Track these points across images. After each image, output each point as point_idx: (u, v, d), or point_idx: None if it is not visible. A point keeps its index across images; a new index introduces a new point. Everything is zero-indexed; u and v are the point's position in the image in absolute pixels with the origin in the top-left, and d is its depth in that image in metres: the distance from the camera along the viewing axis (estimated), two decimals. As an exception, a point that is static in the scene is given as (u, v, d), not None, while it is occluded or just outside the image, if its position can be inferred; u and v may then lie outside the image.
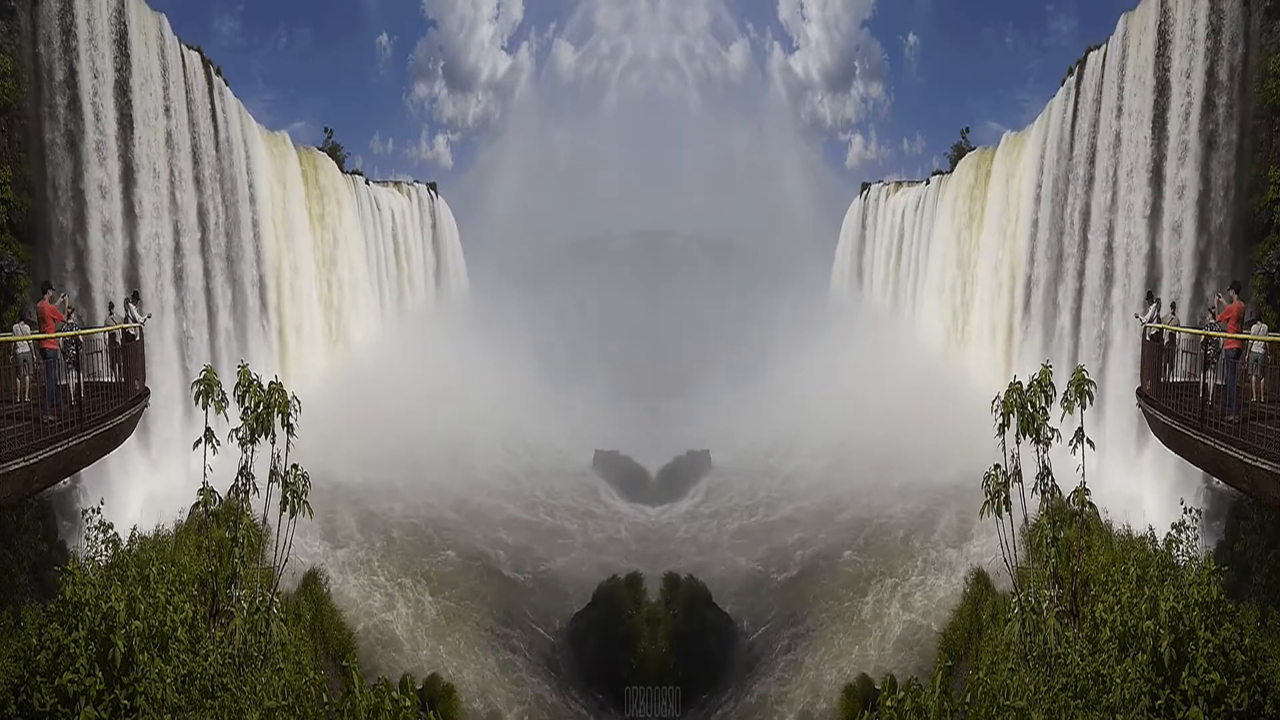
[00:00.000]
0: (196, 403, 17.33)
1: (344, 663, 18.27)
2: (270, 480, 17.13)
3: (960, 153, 47.78)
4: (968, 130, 48.39)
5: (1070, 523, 18.16)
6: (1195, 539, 17.67)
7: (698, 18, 55.46)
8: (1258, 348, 16.96)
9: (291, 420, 17.02)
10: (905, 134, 55.59)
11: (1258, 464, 14.07)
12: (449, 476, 36.38)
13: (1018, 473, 17.24)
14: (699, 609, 27.94)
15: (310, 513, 17.41)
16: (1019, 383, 17.42)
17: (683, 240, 53.64)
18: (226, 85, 35.97)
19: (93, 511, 17.45)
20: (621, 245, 51.84)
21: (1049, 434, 17.17)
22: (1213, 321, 18.73)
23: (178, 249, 32.28)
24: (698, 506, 37.29)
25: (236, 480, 17.27)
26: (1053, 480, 17.75)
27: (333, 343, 44.27)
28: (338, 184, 46.04)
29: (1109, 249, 32.53)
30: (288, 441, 17.07)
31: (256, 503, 17.51)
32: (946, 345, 45.96)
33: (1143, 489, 29.46)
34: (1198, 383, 17.28)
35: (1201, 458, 16.21)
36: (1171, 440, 17.61)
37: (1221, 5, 27.49)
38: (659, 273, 50.52)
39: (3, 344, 17.25)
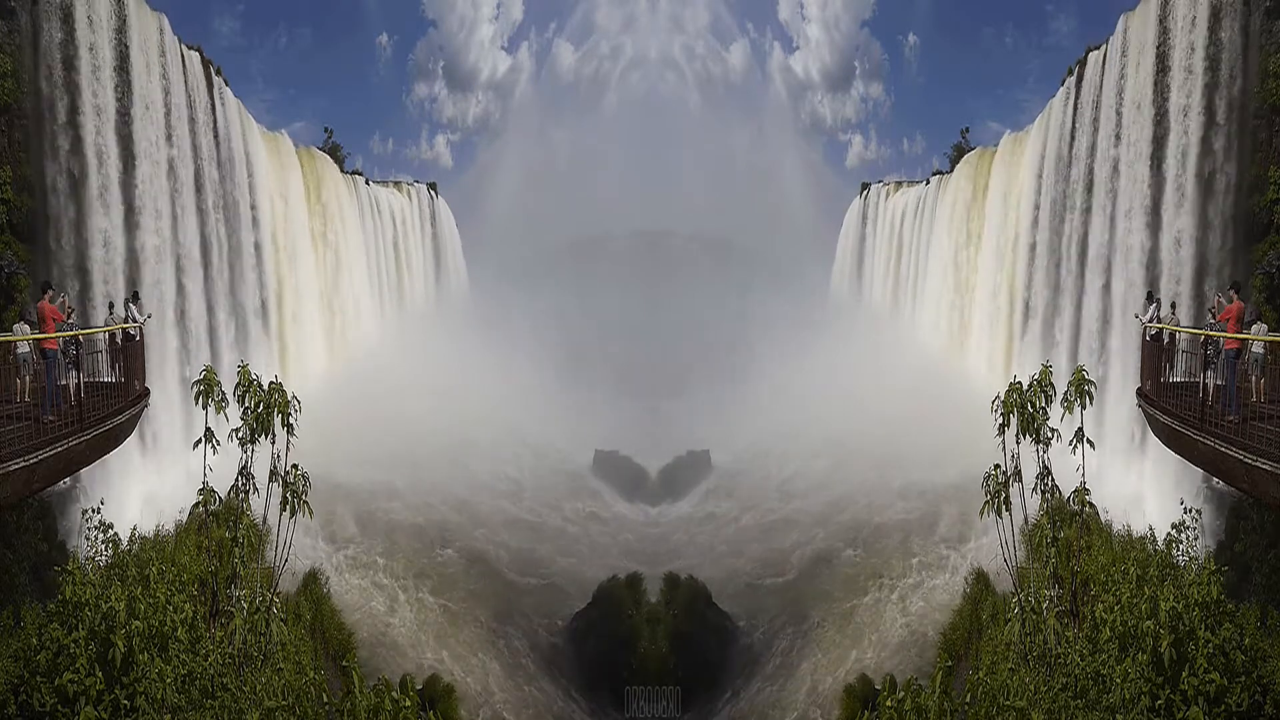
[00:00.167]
0: (196, 402, 17.33)
1: (344, 663, 18.27)
2: (270, 480, 17.13)
3: (960, 153, 47.79)
4: (968, 130, 48.49)
5: (1070, 523, 18.15)
6: (1195, 539, 17.67)
7: (698, 18, 55.51)
8: (1258, 348, 16.95)
9: (291, 420, 17.02)
10: (905, 134, 55.66)
11: (1258, 464, 14.07)
12: (449, 476, 36.38)
13: (1018, 473, 17.24)
14: (699, 609, 27.95)
15: (310, 513, 17.40)
16: (1019, 383, 17.42)
17: (683, 240, 53.62)
18: (226, 85, 35.97)
19: (93, 511, 17.45)
20: (621, 245, 51.82)
21: (1049, 434, 17.17)
22: (1213, 321, 18.72)
23: (176, 249, 32.27)
24: (698, 506, 37.31)
25: (236, 480, 17.26)
26: (1053, 480, 17.75)
27: (332, 342, 44.27)
28: (338, 184, 46.04)
29: (1109, 249, 32.53)
30: (288, 441, 17.07)
31: (256, 503, 17.50)
32: (946, 345, 45.97)
33: (1143, 489, 29.46)
34: (1198, 383, 17.28)
35: (1201, 458, 16.21)
36: (1171, 440, 17.61)
37: (1221, 5, 27.48)
38: (659, 273, 50.51)
39: (3, 344, 17.25)
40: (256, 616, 16.72)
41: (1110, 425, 30.72)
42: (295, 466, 17.16)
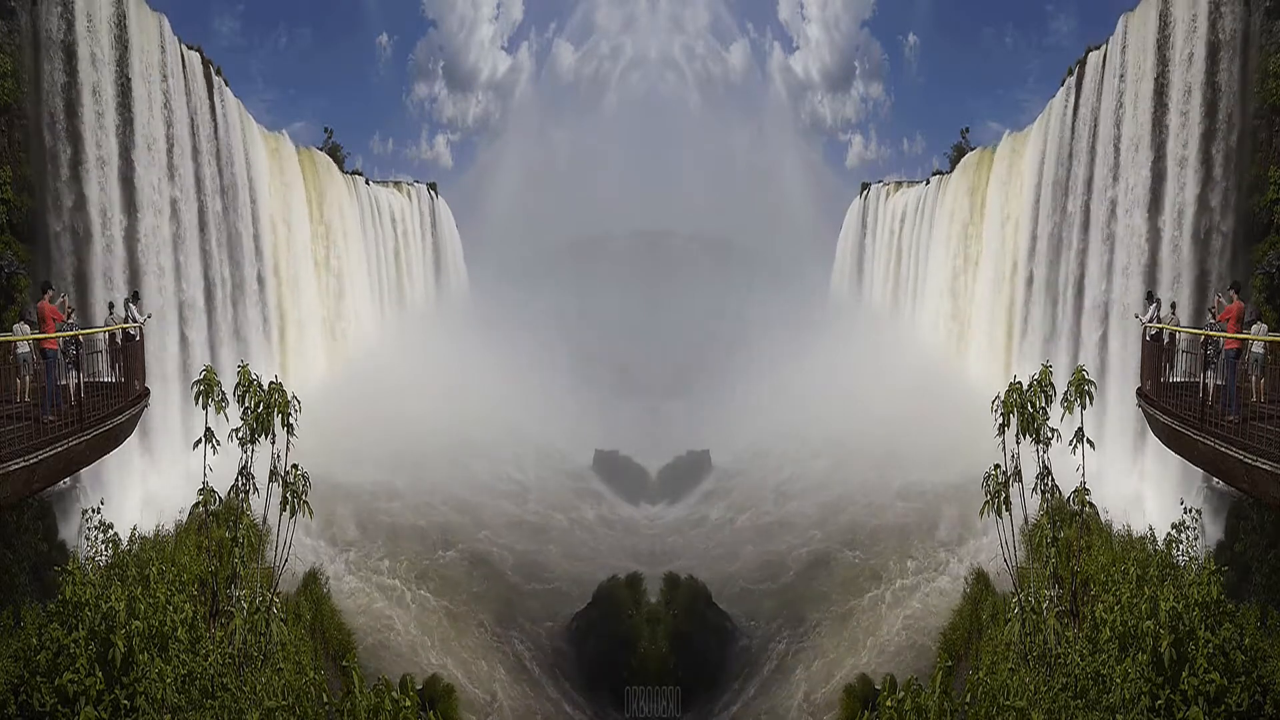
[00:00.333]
0: (196, 403, 17.33)
1: (344, 663, 18.27)
2: (270, 480, 17.13)
3: (960, 153, 47.80)
4: (968, 130, 48.48)
5: (1070, 523, 18.15)
6: (1195, 539, 17.69)
7: (698, 18, 55.45)
8: (1258, 348, 16.94)
9: (291, 420, 17.02)
10: (905, 134, 55.62)
11: (1258, 464, 14.06)
12: (449, 476, 36.39)
13: (1018, 473, 17.24)
14: (699, 609, 27.95)
15: (310, 513, 17.41)
16: (1019, 383, 17.42)
17: (683, 240, 53.60)
18: (226, 85, 35.97)
19: (93, 511, 17.46)
20: (621, 245, 51.79)
21: (1049, 434, 17.17)
22: (1213, 321, 18.72)
23: (177, 249, 32.27)
24: (698, 506, 37.32)
25: (236, 480, 17.27)
26: (1053, 480, 17.75)
27: (333, 343, 44.28)
28: (338, 184, 46.04)
29: (1109, 249, 32.54)
30: (288, 441, 17.07)
31: (256, 503, 17.51)
32: (946, 345, 45.98)
33: (1143, 489, 29.46)
34: (1198, 383, 17.28)
35: (1201, 458, 16.20)
36: (1171, 440, 17.60)
37: (1221, 5, 27.48)
38: (659, 273, 50.48)
39: (3, 344, 17.25)
40: (256, 616, 16.73)
41: (1110, 425, 30.72)
42: (295, 466, 17.16)
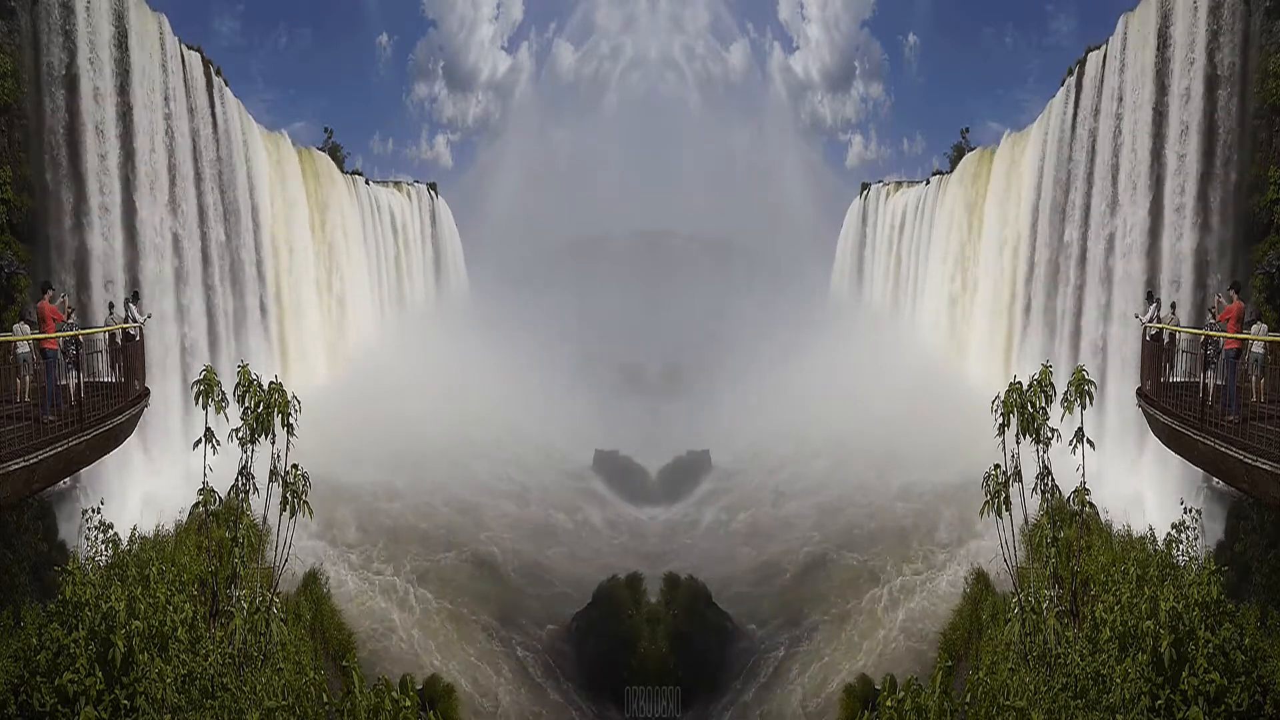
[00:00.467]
0: (196, 403, 17.33)
1: (344, 663, 18.27)
2: (270, 480, 17.14)
3: (960, 153, 47.80)
4: (968, 130, 48.48)
5: (1070, 523, 18.16)
6: (1195, 539, 17.68)
7: (698, 18, 55.43)
8: (1258, 348, 16.95)
9: (291, 420, 17.03)
10: (905, 134, 55.60)
11: (1258, 464, 14.06)
12: (449, 476, 36.39)
13: (1018, 473, 17.25)
14: (699, 609, 27.94)
15: (310, 513, 17.42)
16: (1019, 383, 17.43)
17: (683, 240, 53.60)
18: (226, 85, 35.96)
19: (93, 511, 17.46)
20: (621, 245, 51.79)
21: (1049, 434, 17.17)
22: (1213, 321, 18.72)
23: (177, 249, 32.27)
24: (698, 506, 37.30)
25: (236, 480, 17.28)
26: (1053, 480, 17.76)
27: (333, 342, 44.28)
28: (338, 184, 46.05)
29: (1109, 249, 32.53)
30: (288, 441, 17.08)
31: (256, 503, 17.52)
32: (946, 345, 45.98)
33: (1143, 489, 29.44)
34: (1198, 383, 17.28)
35: (1201, 458, 16.20)
36: (1171, 440, 17.60)
37: (1221, 5, 27.47)
38: (659, 273, 50.48)
39: (3, 344, 17.25)
40: (256, 616, 16.73)
41: (1110, 425, 30.72)
42: (295, 466, 17.17)
